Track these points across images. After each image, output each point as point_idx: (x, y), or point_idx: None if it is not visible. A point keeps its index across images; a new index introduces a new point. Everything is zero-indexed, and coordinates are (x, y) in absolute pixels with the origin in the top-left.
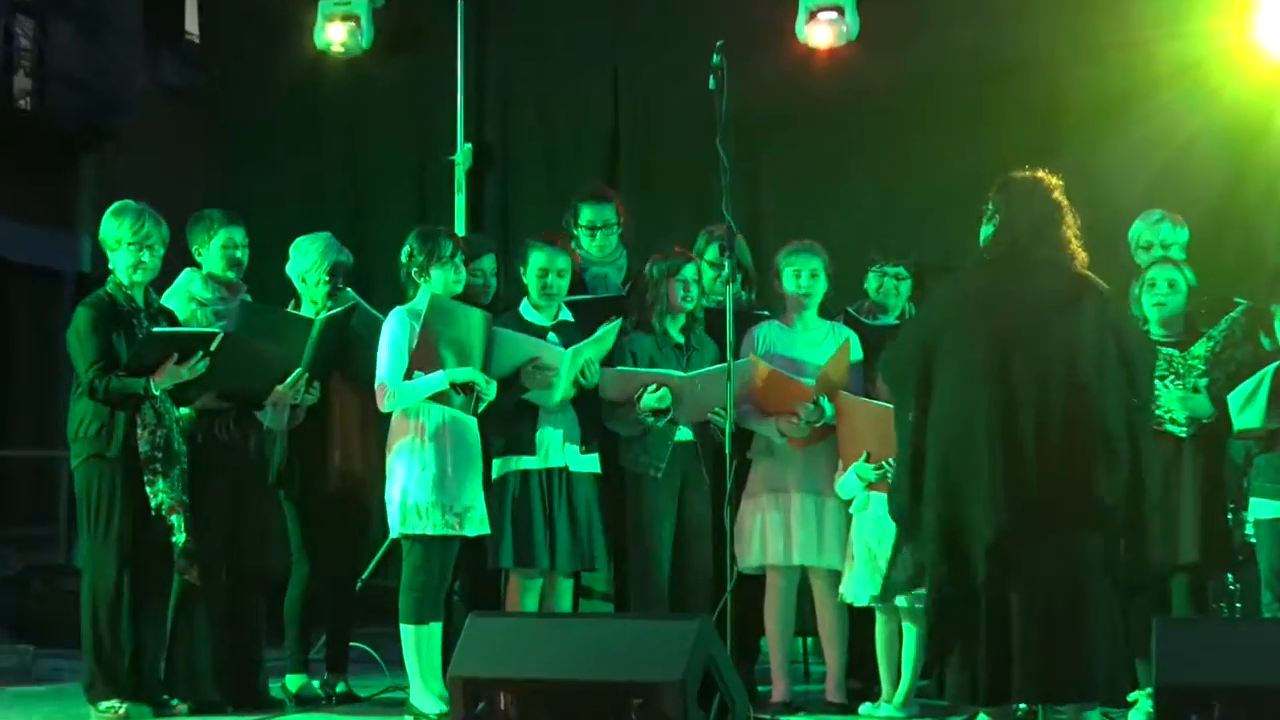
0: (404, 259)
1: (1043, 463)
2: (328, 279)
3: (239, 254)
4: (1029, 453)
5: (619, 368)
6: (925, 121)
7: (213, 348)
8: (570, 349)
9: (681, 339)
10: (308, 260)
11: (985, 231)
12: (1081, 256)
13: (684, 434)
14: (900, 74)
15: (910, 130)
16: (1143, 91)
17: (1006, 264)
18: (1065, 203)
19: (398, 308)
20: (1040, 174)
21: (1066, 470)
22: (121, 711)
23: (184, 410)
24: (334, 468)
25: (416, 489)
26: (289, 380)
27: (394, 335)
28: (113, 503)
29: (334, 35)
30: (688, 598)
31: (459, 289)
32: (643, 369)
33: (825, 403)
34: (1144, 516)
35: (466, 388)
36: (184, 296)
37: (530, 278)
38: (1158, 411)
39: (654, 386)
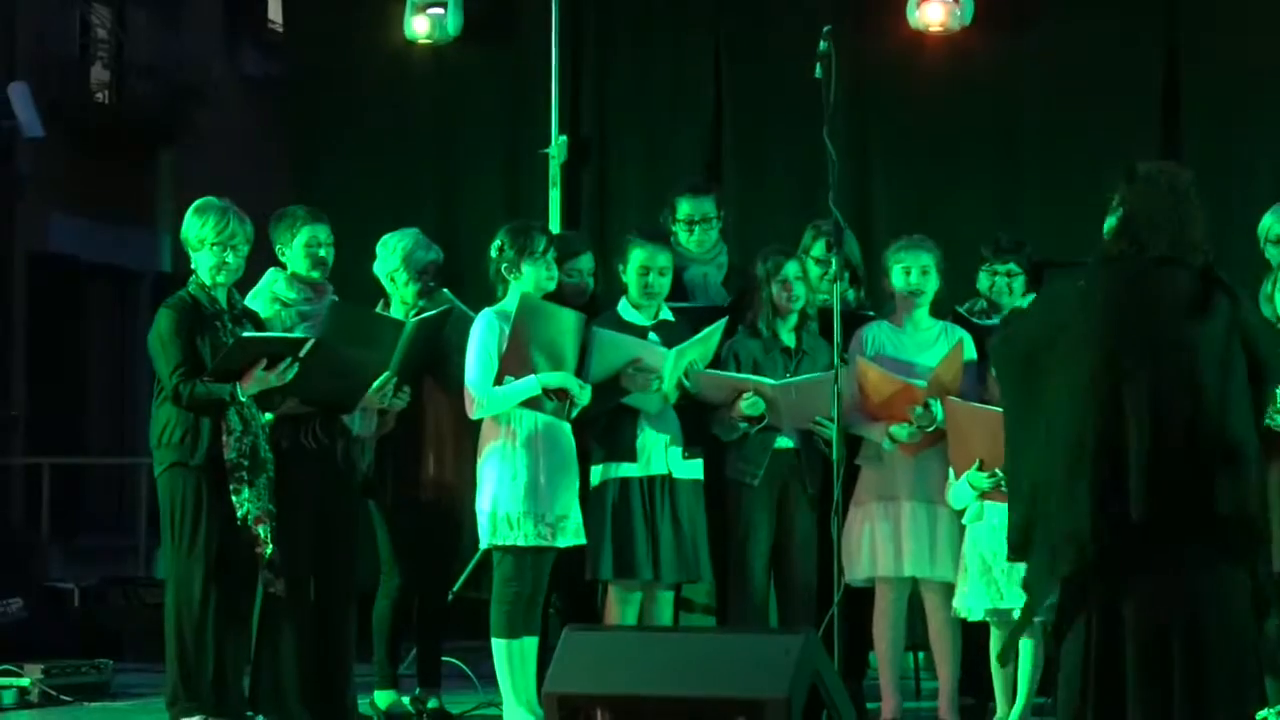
0: (494, 254)
1: (1155, 476)
2: (417, 278)
3: (323, 252)
4: (1141, 465)
5: (710, 370)
6: (1043, 109)
7: (302, 354)
8: (674, 349)
9: (792, 342)
10: (395, 259)
11: (1108, 224)
12: (1209, 254)
13: (784, 441)
14: (1018, 60)
15: (1028, 118)
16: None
17: (1128, 262)
18: (1194, 194)
19: (486, 309)
20: (1167, 162)
21: (1183, 484)
22: None
23: (267, 416)
24: (426, 475)
25: (508, 498)
26: (375, 384)
27: (482, 338)
28: (198, 513)
29: (419, 27)
30: (791, 611)
31: (551, 286)
32: (733, 374)
33: (936, 406)
34: (1268, 529)
35: (559, 393)
36: (268, 296)
37: (630, 275)
38: None
39: (747, 393)
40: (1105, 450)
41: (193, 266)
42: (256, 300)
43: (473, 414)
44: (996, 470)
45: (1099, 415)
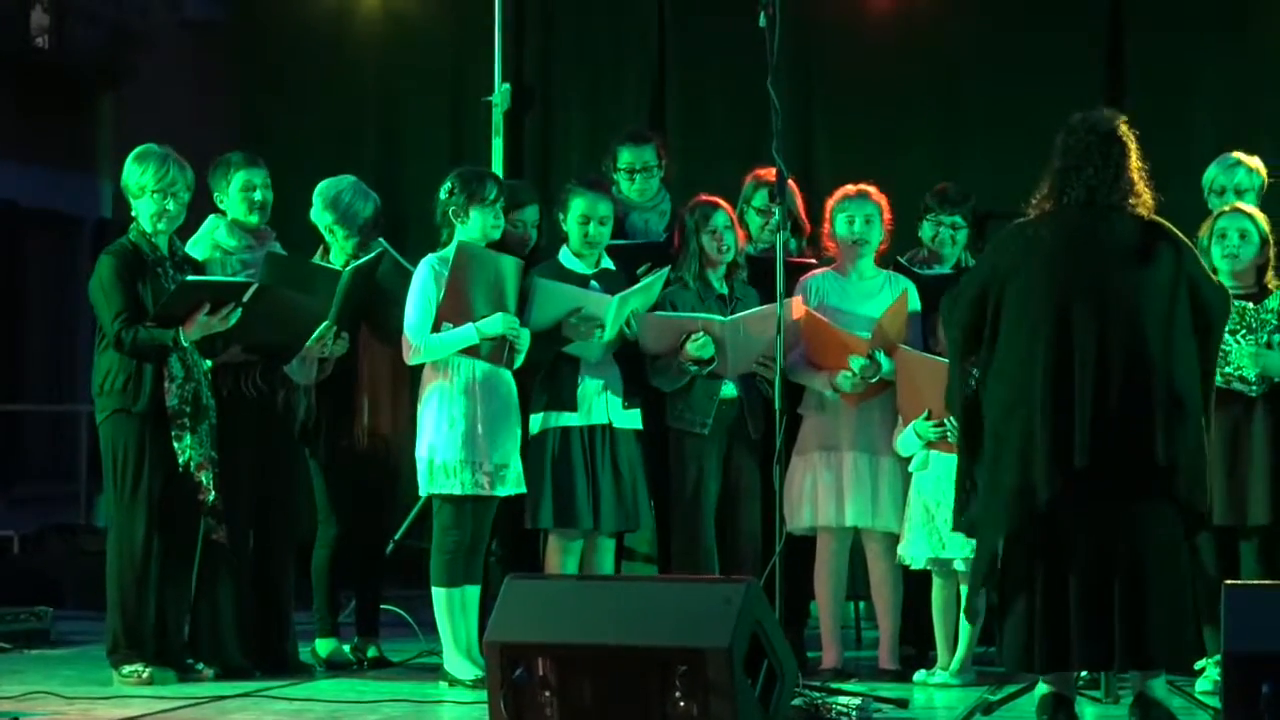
0: (442, 196)
1: (1099, 424)
2: (357, 231)
3: (259, 195)
4: (1085, 413)
5: (656, 313)
6: (987, 61)
7: (245, 298)
8: (616, 296)
9: (725, 289)
10: (330, 214)
11: (1052, 175)
12: (1151, 201)
13: (729, 390)
14: (962, 11)
15: (972, 72)
16: (1221, 27)
17: (1074, 210)
18: (1122, 134)
19: (428, 255)
20: (1106, 112)
21: (1125, 431)
22: (145, 675)
23: (207, 363)
24: (362, 424)
25: (444, 446)
26: (314, 335)
27: (422, 284)
28: (140, 460)
29: None
30: (735, 560)
31: (496, 235)
32: (681, 314)
33: (882, 357)
34: (1203, 475)
35: (499, 338)
36: (209, 244)
37: (571, 225)
38: (1227, 369)
39: (696, 334)
40: (1054, 399)
41: (133, 214)
42: (197, 248)
43: (409, 360)
44: (945, 420)
45: (1048, 364)
